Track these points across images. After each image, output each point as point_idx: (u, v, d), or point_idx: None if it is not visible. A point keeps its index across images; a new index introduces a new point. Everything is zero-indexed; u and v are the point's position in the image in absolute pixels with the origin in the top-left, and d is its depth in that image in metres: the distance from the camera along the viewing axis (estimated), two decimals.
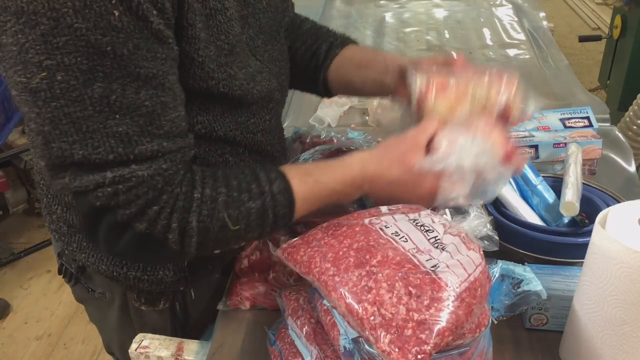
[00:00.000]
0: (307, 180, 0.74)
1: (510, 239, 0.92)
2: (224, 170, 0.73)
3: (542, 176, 1.01)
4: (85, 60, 0.59)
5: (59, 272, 0.97)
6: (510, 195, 0.95)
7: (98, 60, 0.59)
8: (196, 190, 0.68)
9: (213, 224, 0.69)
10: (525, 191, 0.98)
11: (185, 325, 0.99)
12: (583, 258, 0.88)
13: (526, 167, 0.98)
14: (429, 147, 0.74)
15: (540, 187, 0.98)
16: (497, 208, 0.97)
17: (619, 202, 0.97)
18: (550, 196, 0.97)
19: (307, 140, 1.09)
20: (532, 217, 0.94)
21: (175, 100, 0.67)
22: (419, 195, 0.75)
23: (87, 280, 0.95)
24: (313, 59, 1.00)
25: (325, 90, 1.02)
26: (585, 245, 0.88)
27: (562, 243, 0.89)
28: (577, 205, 0.91)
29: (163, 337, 0.92)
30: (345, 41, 1.00)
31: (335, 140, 1.09)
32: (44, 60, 0.58)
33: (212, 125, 0.77)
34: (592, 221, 0.95)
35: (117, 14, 0.59)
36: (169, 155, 0.66)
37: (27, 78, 0.59)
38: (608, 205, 0.97)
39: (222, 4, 0.72)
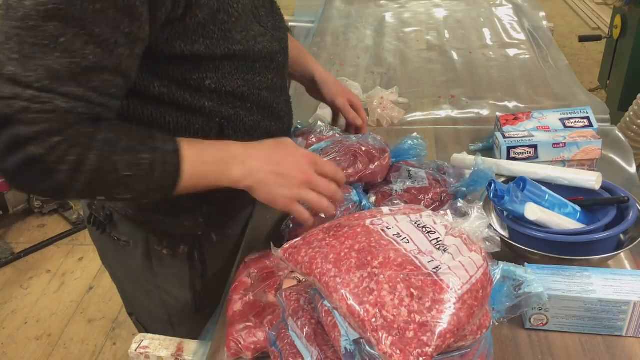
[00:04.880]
0: (205, 157, 0.81)
1: (517, 239, 0.92)
2: (130, 126, 0.81)
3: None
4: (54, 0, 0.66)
5: (88, 222, 1.06)
6: (546, 215, 0.93)
7: (64, 4, 0.66)
8: (100, 132, 0.74)
9: (107, 165, 0.74)
10: (553, 204, 0.96)
11: (204, 275, 1.07)
12: (588, 255, 0.88)
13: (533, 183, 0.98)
14: None
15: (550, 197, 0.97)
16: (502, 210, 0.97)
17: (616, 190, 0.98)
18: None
19: (312, 138, 1.11)
20: (573, 224, 0.94)
21: (116, 68, 0.74)
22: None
23: (112, 228, 1.04)
24: None
25: None
26: (588, 244, 0.89)
27: (569, 242, 0.90)
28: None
29: (163, 337, 0.92)
30: None
31: (337, 136, 1.11)
32: None
33: (221, 81, 0.86)
34: (588, 206, 0.96)
35: None
36: (88, 104, 0.73)
37: None
38: (610, 193, 0.98)
39: None
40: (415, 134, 1.12)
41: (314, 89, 1.19)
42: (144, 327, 1.19)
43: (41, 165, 0.71)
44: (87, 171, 0.73)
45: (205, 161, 0.81)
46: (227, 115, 0.90)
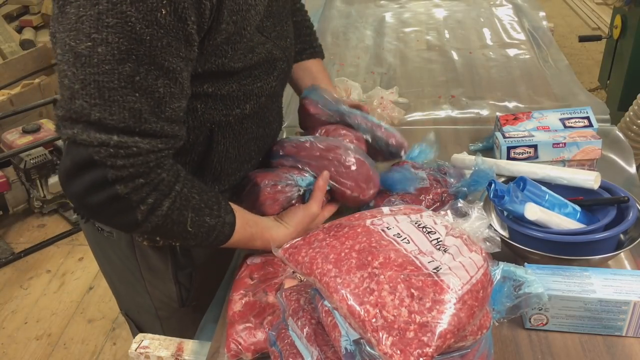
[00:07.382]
0: (244, 233, 0.90)
1: (518, 239, 0.92)
2: (200, 183, 0.87)
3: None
4: (125, 42, 0.70)
5: (74, 211, 1.11)
6: (546, 215, 0.93)
7: (135, 45, 0.71)
8: (178, 184, 0.81)
9: (176, 216, 0.81)
10: (553, 204, 0.96)
11: (188, 267, 1.07)
12: (588, 255, 0.88)
13: (534, 184, 0.97)
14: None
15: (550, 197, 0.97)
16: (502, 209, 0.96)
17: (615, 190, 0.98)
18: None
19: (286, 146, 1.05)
20: (573, 224, 0.94)
21: (181, 93, 0.79)
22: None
23: None
24: None
25: None
26: (588, 244, 0.89)
27: (569, 242, 0.90)
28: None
29: (163, 337, 0.93)
30: (314, 54, 1.22)
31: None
32: (92, 32, 0.69)
33: (216, 85, 0.88)
34: (588, 206, 0.97)
35: (164, 12, 0.71)
36: (164, 139, 0.78)
37: (76, 43, 0.70)
38: (610, 193, 0.98)
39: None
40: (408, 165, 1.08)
41: None
42: (133, 321, 1.19)
43: (124, 203, 0.77)
44: (160, 215, 0.79)
45: (245, 235, 0.91)
46: (217, 120, 0.92)
